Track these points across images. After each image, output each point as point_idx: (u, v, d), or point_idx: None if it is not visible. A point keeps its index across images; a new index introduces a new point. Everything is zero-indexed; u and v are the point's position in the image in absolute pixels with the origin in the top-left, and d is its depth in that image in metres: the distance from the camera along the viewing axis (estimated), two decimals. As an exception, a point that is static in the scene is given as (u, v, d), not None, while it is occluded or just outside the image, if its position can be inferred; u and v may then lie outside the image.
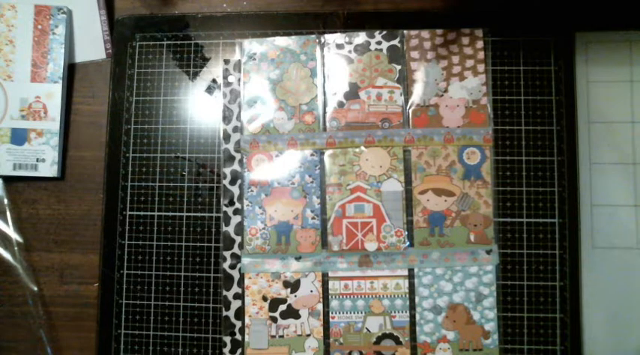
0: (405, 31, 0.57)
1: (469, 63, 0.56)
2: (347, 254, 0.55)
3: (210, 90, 0.59)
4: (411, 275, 0.54)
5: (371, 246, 0.55)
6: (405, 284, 0.54)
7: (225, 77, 0.58)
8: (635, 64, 0.57)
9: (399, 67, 0.57)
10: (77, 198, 0.60)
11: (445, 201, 0.55)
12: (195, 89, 0.59)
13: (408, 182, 0.55)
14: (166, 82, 0.59)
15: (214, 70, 0.59)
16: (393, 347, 0.53)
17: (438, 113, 0.56)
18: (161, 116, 0.59)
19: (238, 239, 0.56)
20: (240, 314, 0.55)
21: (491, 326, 0.53)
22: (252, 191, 0.56)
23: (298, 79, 0.57)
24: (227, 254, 0.56)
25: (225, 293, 0.56)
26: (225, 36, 0.59)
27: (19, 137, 0.59)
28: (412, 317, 0.54)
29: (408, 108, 0.56)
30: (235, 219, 0.57)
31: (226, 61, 0.58)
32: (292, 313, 0.55)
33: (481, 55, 0.56)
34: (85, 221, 0.60)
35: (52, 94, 0.60)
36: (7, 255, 0.59)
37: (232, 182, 0.57)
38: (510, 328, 0.53)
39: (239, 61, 0.58)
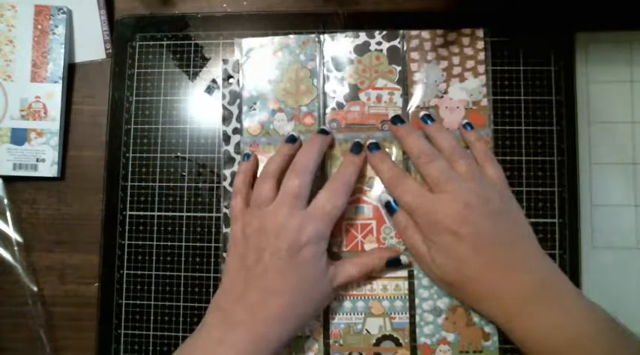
0: (405, 32, 0.57)
1: (469, 64, 0.56)
2: (346, 255, 0.55)
3: (209, 90, 0.59)
4: (410, 277, 0.54)
5: (371, 247, 0.55)
6: (404, 285, 0.54)
7: (224, 78, 0.58)
8: (635, 64, 0.57)
9: (399, 68, 0.56)
10: (77, 198, 0.60)
11: (445, 202, 0.55)
12: (195, 89, 0.59)
13: (407, 183, 0.55)
14: (166, 82, 0.59)
15: (214, 70, 0.59)
16: (393, 348, 0.53)
17: (438, 115, 0.55)
18: (161, 116, 0.59)
19: (238, 239, 0.56)
20: (240, 314, 0.55)
21: (491, 327, 0.53)
22: (252, 192, 0.56)
23: (298, 80, 0.57)
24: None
25: (225, 293, 0.56)
26: (225, 36, 0.59)
27: (19, 137, 0.59)
28: (412, 317, 0.54)
29: (407, 109, 0.56)
30: (235, 220, 0.57)
31: (225, 61, 0.58)
32: (292, 314, 0.55)
33: (482, 55, 0.56)
34: (85, 221, 0.60)
35: (52, 94, 0.60)
36: (7, 255, 0.59)
37: (233, 184, 0.57)
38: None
39: (237, 61, 0.58)
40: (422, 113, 0.55)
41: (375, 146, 0.54)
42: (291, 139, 0.54)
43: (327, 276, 0.50)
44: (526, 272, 0.46)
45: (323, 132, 0.54)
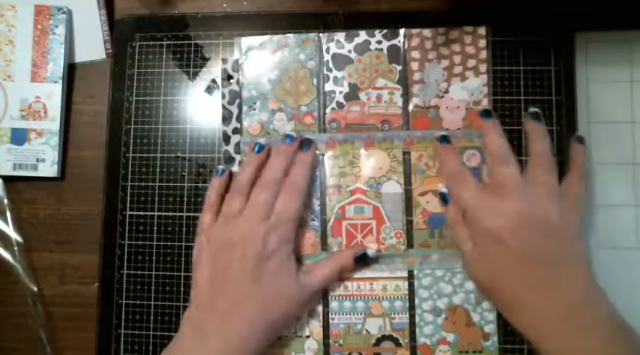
0: (406, 30, 0.57)
1: (471, 62, 0.56)
2: (345, 255, 0.55)
3: (209, 90, 0.59)
4: (410, 277, 0.54)
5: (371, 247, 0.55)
6: (404, 285, 0.54)
7: (223, 77, 0.58)
8: (635, 64, 0.56)
9: (399, 68, 0.56)
10: (77, 198, 0.60)
11: (445, 202, 0.55)
12: (195, 89, 0.59)
13: (407, 183, 0.55)
14: (166, 82, 0.59)
15: (214, 70, 0.59)
16: (393, 348, 0.53)
17: (438, 115, 0.55)
18: (161, 116, 0.59)
19: (238, 239, 0.56)
20: (240, 314, 0.55)
21: (490, 328, 0.53)
22: (252, 192, 0.56)
23: (297, 80, 0.57)
24: (227, 254, 0.56)
25: (225, 293, 0.56)
26: (225, 36, 0.59)
27: (19, 137, 0.59)
28: (412, 317, 0.54)
29: (408, 109, 0.56)
30: (235, 220, 0.56)
31: (224, 60, 0.58)
32: (292, 314, 0.55)
33: (483, 54, 0.56)
34: (85, 221, 0.60)
35: (52, 94, 0.59)
36: (7, 255, 0.59)
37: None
38: (510, 329, 0.53)
39: (237, 60, 0.58)
40: (531, 109, 0.54)
41: (445, 139, 0.54)
42: (258, 149, 0.54)
43: (299, 282, 0.51)
44: (558, 296, 0.45)
45: (289, 138, 0.54)
